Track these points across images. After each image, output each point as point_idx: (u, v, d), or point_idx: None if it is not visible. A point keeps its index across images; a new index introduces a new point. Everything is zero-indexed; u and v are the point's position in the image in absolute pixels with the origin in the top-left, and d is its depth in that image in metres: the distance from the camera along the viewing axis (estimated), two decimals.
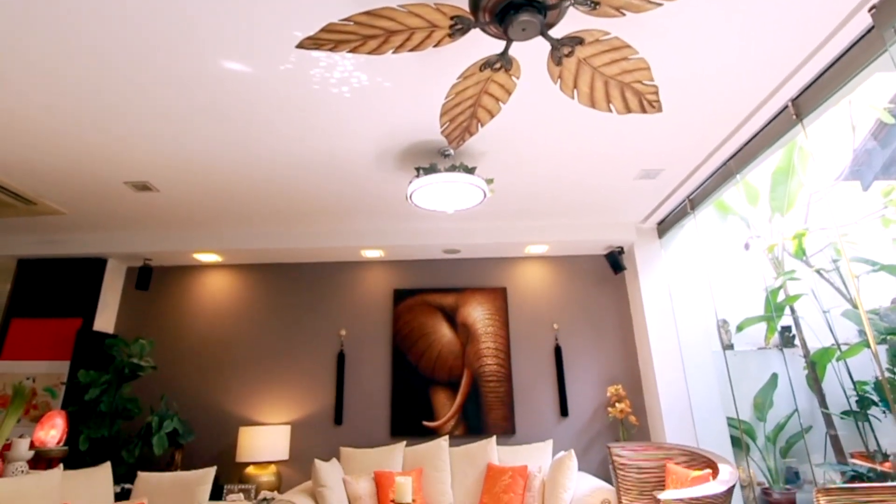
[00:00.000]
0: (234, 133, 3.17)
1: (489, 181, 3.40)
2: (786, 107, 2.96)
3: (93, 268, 4.98)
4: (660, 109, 2.24)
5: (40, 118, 2.95)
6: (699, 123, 3.18)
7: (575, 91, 2.19)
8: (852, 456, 4.00)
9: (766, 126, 3.18)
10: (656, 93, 2.16)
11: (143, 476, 3.36)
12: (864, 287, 4.16)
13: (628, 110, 2.27)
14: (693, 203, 4.28)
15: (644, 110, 2.25)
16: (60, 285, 4.92)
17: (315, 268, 5.28)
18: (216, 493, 3.89)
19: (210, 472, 3.37)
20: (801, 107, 2.87)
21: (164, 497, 3.22)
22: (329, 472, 3.82)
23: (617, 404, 4.51)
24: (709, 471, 3.16)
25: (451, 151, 3.42)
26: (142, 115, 2.94)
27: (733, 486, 2.90)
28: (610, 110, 2.27)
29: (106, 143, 3.25)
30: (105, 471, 3.35)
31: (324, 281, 5.23)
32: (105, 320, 4.97)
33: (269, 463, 4.37)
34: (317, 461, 3.84)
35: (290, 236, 4.85)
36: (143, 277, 4.99)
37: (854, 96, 4.00)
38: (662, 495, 2.77)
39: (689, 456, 3.54)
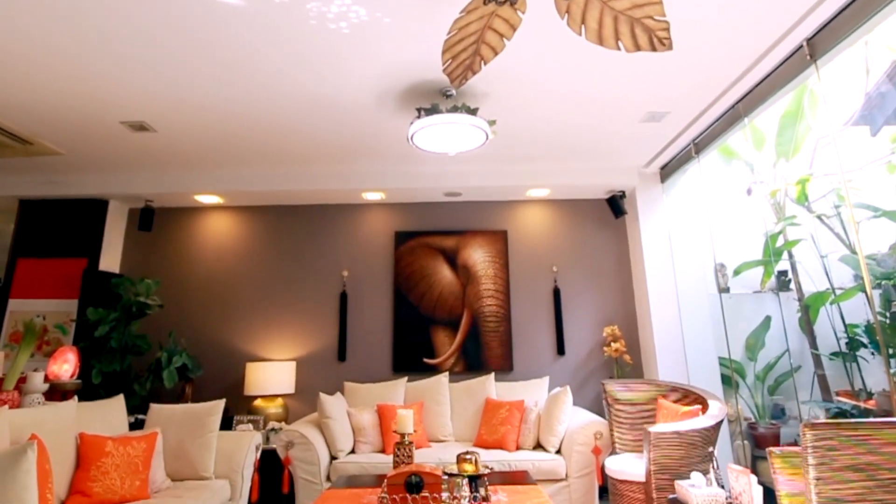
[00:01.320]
0: (229, 72, 3.09)
1: (491, 123, 3.34)
2: (800, 46, 2.87)
3: (95, 209, 4.99)
4: (670, 47, 2.17)
5: (34, 56, 2.86)
6: (709, 63, 3.09)
7: (583, 27, 2.12)
8: (838, 394, 4.16)
9: (778, 67, 3.09)
10: (667, 29, 2.09)
11: (155, 407, 3.50)
12: (863, 233, 4.18)
13: (637, 48, 2.20)
14: (698, 147, 4.23)
15: (654, 48, 2.19)
16: (64, 226, 4.95)
17: (316, 210, 5.29)
18: (226, 423, 4.07)
19: (220, 404, 3.50)
20: (816, 47, 2.78)
21: (177, 427, 3.37)
22: (334, 404, 3.98)
23: (612, 344, 4.65)
24: (699, 406, 3.30)
25: (453, 91, 3.34)
26: (134, 52, 2.85)
27: (721, 421, 3.03)
28: (618, 48, 2.20)
29: (100, 82, 3.18)
30: (119, 402, 3.49)
31: (325, 222, 5.25)
32: (110, 260, 5.02)
33: (276, 396, 4.55)
34: (322, 394, 4.00)
35: (291, 178, 4.83)
36: (146, 219, 5.00)
37: (872, 36, 3.86)
38: (653, 428, 2.90)
39: (681, 392, 3.68)
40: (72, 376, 3.85)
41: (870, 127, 4.49)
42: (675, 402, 3.62)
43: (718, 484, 2.60)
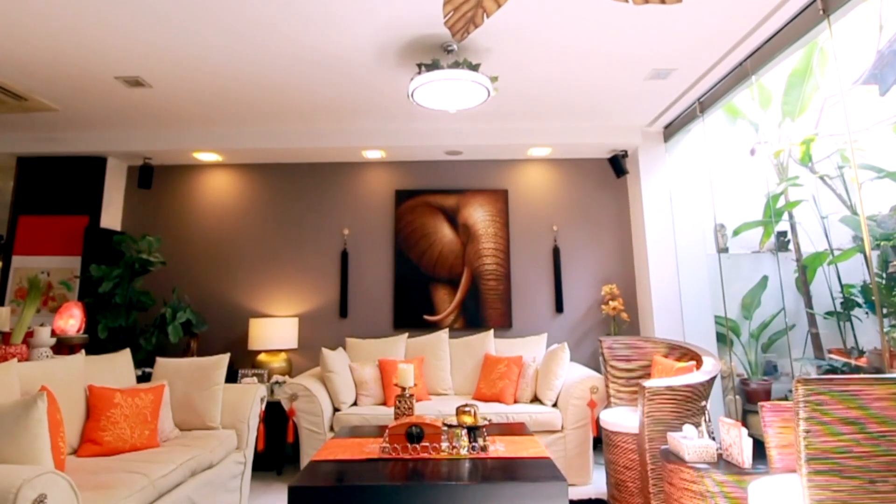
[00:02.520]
0: (224, 26, 3.00)
1: (493, 79, 3.28)
2: (813, 1, 2.79)
3: (94, 166, 4.95)
4: (679, 0, 2.12)
5: (25, 8, 2.78)
6: (719, 18, 3.00)
7: None
8: (830, 352, 4.24)
9: (789, 22, 3.01)
10: None
11: (161, 361, 3.57)
12: (865, 194, 4.17)
13: (646, 0, 2.14)
14: (703, 106, 4.16)
15: (663, 0, 2.13)
16: (64, 183, 4.93)
17: (316, 168, 5.25)
18: (231, 377, 4.16)
19: (225, 358, 3.57)
20: (829, 1, 2.70)
21: (183, 380, 3.44)
22: (336, 359, 4.07)
23: (611, 302, 4.71)
24: (693, 363, 3.37)
25: (455, 46, 3.27)
26: (126, 3, 2.78)
27: (714, 377, 3.11)
28: (626, 1, 2.15)
29: (93, 36, 3.10)
30: (125, 356, 3.56)
31: (326, 181, 5.23)
32: (111, 217, 5.02)
33: (280, 351, 4.65)
34: (324, 349, 4.08)
35: (290, 135, 4.78)
36: (145, 176, 4.98)
37: None
38: (647, 383, 2.98)
39: (676, 349, 3.75)
40: (78, 331, 3.92)
41: (879, 86, 4.41)
42: (671, 358, 3.70)
43: (710, 436, 2.69)
